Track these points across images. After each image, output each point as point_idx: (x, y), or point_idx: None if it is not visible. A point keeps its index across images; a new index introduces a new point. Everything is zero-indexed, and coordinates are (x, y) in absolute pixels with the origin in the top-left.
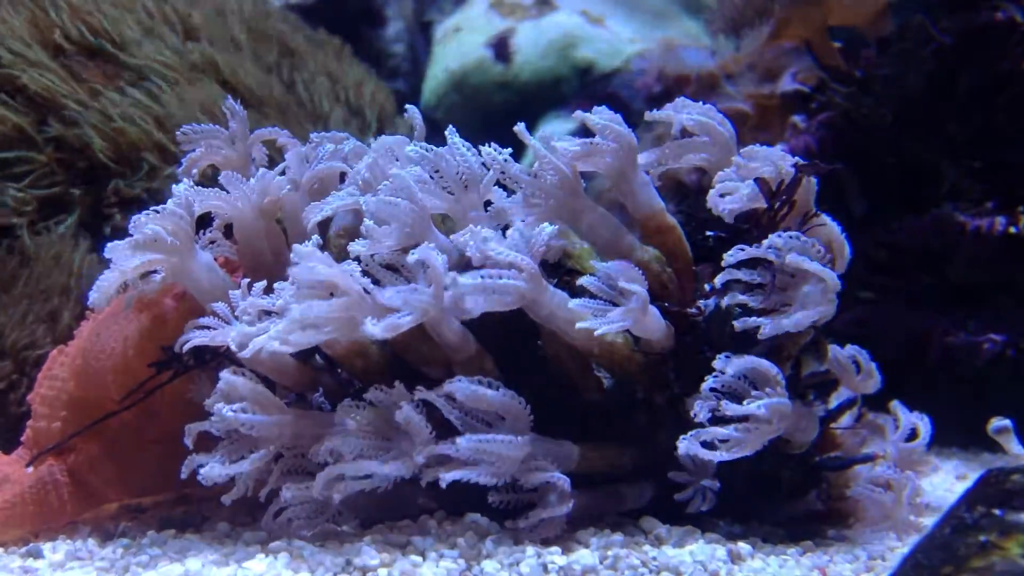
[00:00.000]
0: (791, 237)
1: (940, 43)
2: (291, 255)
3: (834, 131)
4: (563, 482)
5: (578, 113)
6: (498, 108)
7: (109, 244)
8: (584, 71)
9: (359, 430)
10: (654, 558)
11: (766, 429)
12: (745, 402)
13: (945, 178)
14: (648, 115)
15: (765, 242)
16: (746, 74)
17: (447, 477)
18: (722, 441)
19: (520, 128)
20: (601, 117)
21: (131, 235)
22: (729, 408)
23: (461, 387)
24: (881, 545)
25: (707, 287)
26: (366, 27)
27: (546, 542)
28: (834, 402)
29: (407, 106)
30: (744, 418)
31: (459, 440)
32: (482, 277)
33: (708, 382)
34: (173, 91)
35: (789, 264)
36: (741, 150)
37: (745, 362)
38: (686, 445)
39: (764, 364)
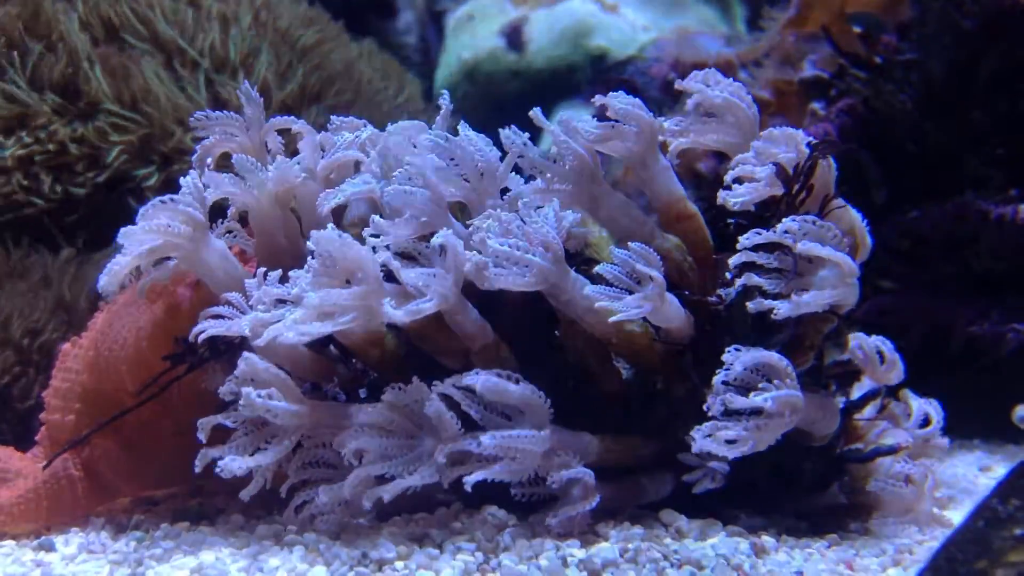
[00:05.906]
0: (806, 221)
1: (962, 28)
2: (310, 241)
3: (854, 118)
4: (588, 476)
5: (598, 97)
6: (511, 97)
7: (122, 230)
8: (598, 59)
9: (382, 429)
10: (675, 551)
11: (778, 423)
12: (752, 395)
13: (968, 165)
14: (678, 84)
15: (780, 226)
16: (764, 61)
17: (471, 480)
18: (729, 441)
19: (536, 113)
20: (621, 101)
21: (141, 223)
22: (736, 401)
23: (483, 380)
24: (907, 538)
25: (728, 275)
26: (376, 18)
27: (565, 535)
28: (857, 392)
29: (443, 91)
30: (754, 411)
31: (483, 437)
32: (509, 246)
33: (719, 376)
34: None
35: (802, 250)
36: (761, 132)
37: (753, 355)
38: (699, 442)
39: (773, 357)
